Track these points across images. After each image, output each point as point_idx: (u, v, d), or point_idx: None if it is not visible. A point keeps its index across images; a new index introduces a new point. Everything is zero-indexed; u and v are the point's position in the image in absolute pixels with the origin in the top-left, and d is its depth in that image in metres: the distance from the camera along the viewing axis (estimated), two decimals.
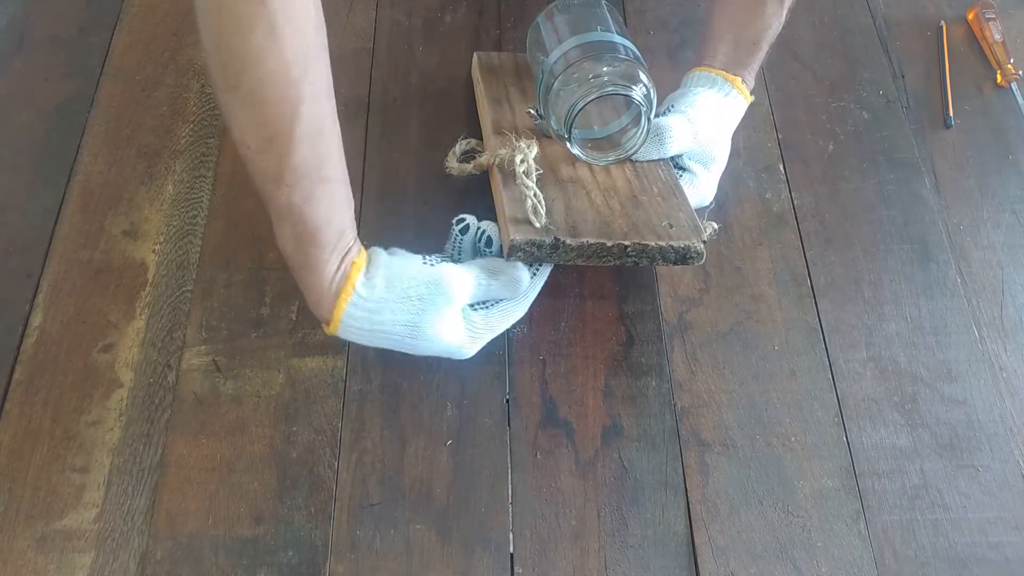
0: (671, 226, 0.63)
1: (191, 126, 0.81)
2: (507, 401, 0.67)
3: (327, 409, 0.66)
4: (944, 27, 0.89)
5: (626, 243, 0.61)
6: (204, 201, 0.76)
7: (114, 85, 0.84)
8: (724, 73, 0.72)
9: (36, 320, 0.70)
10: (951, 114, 0.83)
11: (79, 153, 0.79)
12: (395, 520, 0.62)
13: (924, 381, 0.69)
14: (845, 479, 0.64)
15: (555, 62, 0.67)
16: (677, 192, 0.67)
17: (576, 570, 0.60)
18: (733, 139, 0.74)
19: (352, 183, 0.77)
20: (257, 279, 0.72)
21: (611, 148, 0.69)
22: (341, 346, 0.69)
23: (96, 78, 0.84)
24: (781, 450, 0.65)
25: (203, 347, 0.69)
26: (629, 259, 0.62)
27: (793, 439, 0.66)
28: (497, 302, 0.65)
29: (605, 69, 0.65)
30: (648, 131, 0.67)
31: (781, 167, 0.80)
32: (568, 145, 0.67)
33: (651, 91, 0.65)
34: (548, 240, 0.61)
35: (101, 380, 0.67)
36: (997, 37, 0.87)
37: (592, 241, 0.61)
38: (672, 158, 0.71)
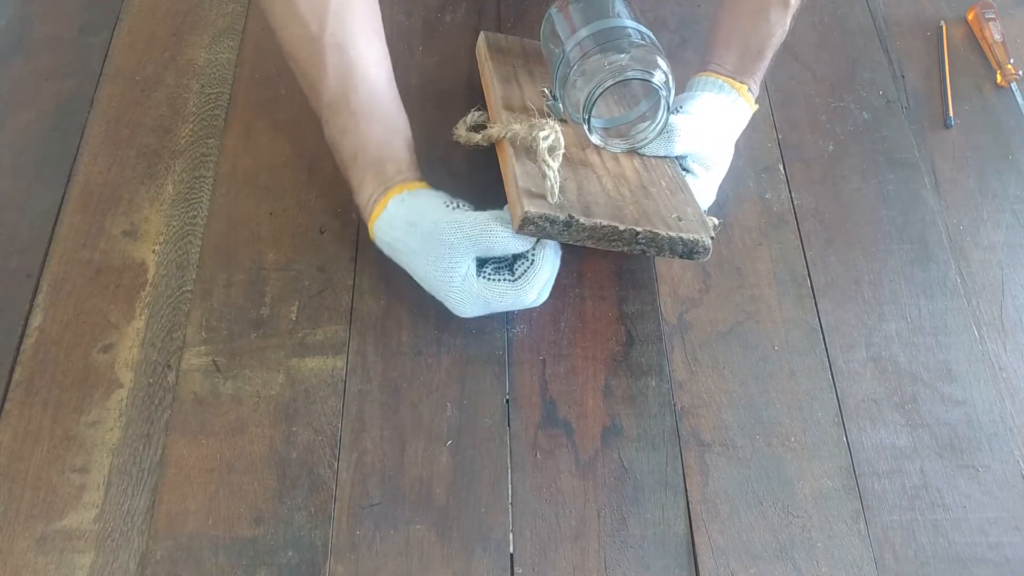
0: (680, 219, 0.63)
1: (191, 126, 0.81)
2: (507, 401, 0.67)
3: (327, 409, 0.66)
4: (944, 27, 0.89)
5: (638, 229, 0.61)
6: (204, 201, 0.76)
7: (114, 85, 0.84)
8: (730, 80, 0.72)
9: (36, 320, 0.70)
10: (951, 114, 0.83)
11: (79, 153, 0.79)
12: (395, 520, 0.62)
13: (924, 381, 0.69)
14: (845, 479, 0.64)
15: (571, 50, 0.67)
16: (684, 188, 0.67)
17: (576, 570, 0.60)
18: None
19: None
20: (257, 279, 0.72)
21: (627, 135, 0.68)
22: (341, 346, 0.69)
23: (96, 78, 0.84)
24: (781, 450, 0.65)
25: (203, 347, 0.69)
26: (638, 246, 0.61)
27: (793, 439, 0.66)
28: (501, 280, 0.64)
29: (623, 55, 0.64)
30: (667, 118, 0.66)
31: (781, 167, 0.80)
32: (586, 131, 0.67)
33: (669, 77, 0.65)
34: (562, 217, 0.60)
35: (101, 380, 0.67)
36: (997, 37, 0.87)
37: (605, 223, 0.60)
38: (676, 158, 0.71)
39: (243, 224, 0.75)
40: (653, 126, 0.67)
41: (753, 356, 0.69)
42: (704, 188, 0.72)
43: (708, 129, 0.70)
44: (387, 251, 0.68)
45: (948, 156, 0.81)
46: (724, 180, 0.74)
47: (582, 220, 0.60)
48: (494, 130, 0.68)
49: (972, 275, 0.74)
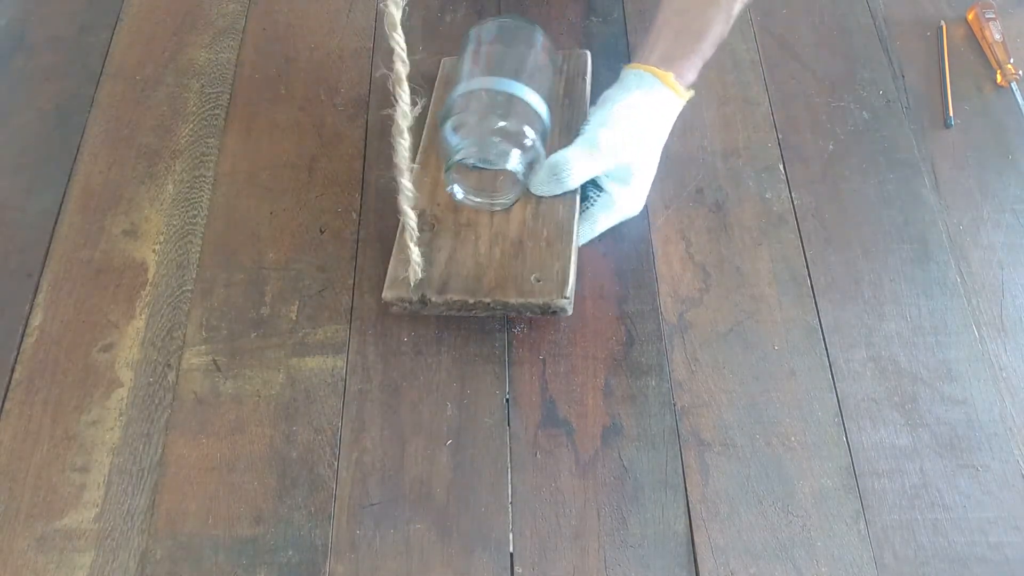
0: (539, 280, 0.65)
1: (191, 126, 0.81)
2: (507, 401, 0.67)
3: (327, 409, 0.66)
4: (944, 27, 0.89)
5: (487, 300, 0.64)
6: (204, 201, 0.77)
7: (114, 85, 0.84)
8: (654, 69, 0.68)
9: (36, 320, 0.70)
10: (951, 114, 0.83)
11: (79, 153, 0.79)
12: (395, 520, 0.62)
13: (924, 381, 0.69)
14: (845, 479, 0.64)
15: (459, 95, 0.68)
16: (564, 237, 0.67)
17: (576, 570, 0.60)
18: (733, 138, 0.74)
19: (352, 183, 0.78)
20: (257, 279, 0.72)
21: (484, 194, 0.69)
22: (341, 346, 0.69)
23: (96, 78, 0.84)
24: (781, 450, 0.65)
25: (203, 347, 0.69)
26: (496, 312, 0.65)
27: (793, 439, 0.66)
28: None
29: (498, 123, 0.65)
30: (517, 198, 0.68)
31: (781, 167, 0.80)
32: (445, 179, 0.67)
33: (537, 148, 0.66)
34: (415, 297, 0.65)
35: (101, 380, 0.67)
36: (997, 37, 0.87)
37: (456, 298, 0.65)
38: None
39: (243, 224, 0.75)
40: (506, 199, 0.68)
41: (753, 356, 0.69)
42: (625, 202, 0.70)
43: (611, 147, 0.67)
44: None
45: (948, 156, 0.81)
46: (724, 179, 0.74)
47: (434, 299, 0.65)
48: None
49: (972, 275, 0.74)
